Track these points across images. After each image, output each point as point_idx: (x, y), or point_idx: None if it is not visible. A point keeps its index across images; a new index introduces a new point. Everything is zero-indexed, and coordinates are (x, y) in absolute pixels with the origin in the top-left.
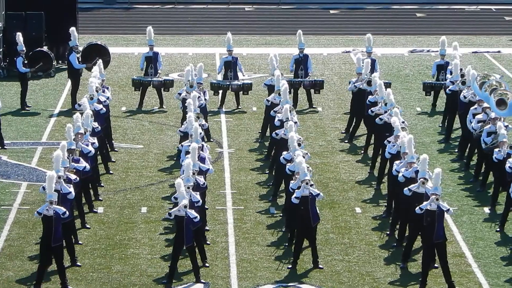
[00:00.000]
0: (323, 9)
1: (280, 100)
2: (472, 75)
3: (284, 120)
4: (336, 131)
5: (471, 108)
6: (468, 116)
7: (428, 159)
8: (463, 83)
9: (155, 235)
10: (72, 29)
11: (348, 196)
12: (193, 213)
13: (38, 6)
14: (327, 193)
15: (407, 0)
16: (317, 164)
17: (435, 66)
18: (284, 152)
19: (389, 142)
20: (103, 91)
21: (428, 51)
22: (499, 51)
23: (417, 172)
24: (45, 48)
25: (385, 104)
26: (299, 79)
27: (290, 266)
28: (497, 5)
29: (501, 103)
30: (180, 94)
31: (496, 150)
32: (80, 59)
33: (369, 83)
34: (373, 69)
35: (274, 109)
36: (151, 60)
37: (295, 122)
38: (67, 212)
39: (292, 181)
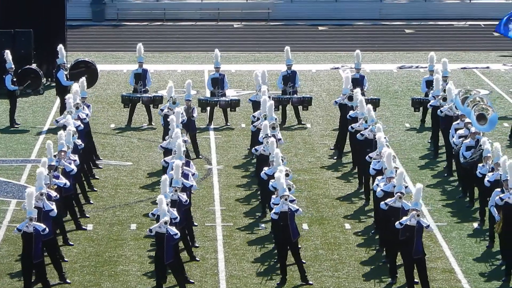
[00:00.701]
0: (312, 26)
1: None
2: (447, 89)
3: (263, 137)
4: (325, 148)
5: (454, 123)
6: (450, 131)
7: (405, 173)
8: (444, 99)
9: (145, 252)
10: (60, 46)
11: (337, 212)
12: (173, 230)
13: (27, 24)
14: (316, 209)
15: (395, 16)
16: (306, 180)
17: (424, 82)
18: (265, 168)
19: (370, 158)
20: (83, 108)
21: (417, 67)
22: (488, 67)
23: (395, 186)
24: (34, 66)
25: (366, 121)
26: (287, 96)
27: (278, 283)
28: (486, 21)
29: (481, 118)
30: (162, 110)
31: (480, 165)
32: (68, 76)
33: (350, 98)
34: (362, 85)
35: (253, 124)
36: (140, 77)
37: (279, 139)
38: (47, 229)
39: (273, 196)
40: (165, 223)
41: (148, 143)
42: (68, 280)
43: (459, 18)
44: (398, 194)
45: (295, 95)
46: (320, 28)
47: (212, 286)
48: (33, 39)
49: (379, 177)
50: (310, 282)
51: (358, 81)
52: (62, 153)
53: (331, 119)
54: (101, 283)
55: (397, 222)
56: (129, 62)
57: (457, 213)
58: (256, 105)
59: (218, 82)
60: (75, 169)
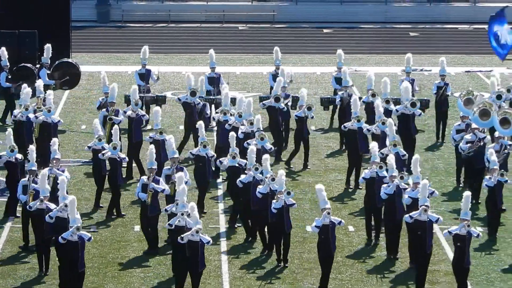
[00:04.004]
0: (317, 28)
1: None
2: (404, 88)
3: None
4: (329, 150)
5: (455, 124)
6: (451, 131)
7: (429, 184)
8: (373, 95)
9: (148, 253)
10: (47, 46)
11: (341, 215)
12: (206, 238)
13: (31, 25)
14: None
15: (401, 20)
16: (310, 183)
17: (435, 87)
18: (242, 176)
19: (382, 154)
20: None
21: (421, 70)
22: (491, 70)
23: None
24: (28, 64)
25: (358, 121)
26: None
27: None
28: None
29: (505, 122)
30: (125, 112)
31: (487, 177)
32: (49, 76)
33: (413, 104)
34: (340, 84)
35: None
36: (144, 77)
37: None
38: (92, 237)
39: (274, 201)
40: (197, 232)
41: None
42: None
43: (463, 22)
44: (423, 207)
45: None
46: (325, 30)
47: None
48: (37, 40)
49: (384, 186)
50: None
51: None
52: (54, 161)
53: (335, 121)
54: (105, 284)
55: (445, 231)
56: (134, 64)
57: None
58: (186, 106)
59: (214, 81)
60: (69, 175)
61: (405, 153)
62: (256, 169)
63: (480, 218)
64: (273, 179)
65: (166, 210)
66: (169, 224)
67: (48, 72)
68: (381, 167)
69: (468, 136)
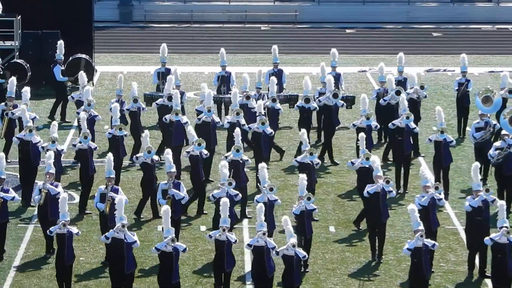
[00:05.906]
0: (339, 28)
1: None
2: (328, 80)
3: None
4: (352, 150)
5: (474, 122)
6: (470, 130)
7: (505, 205)
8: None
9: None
10: (60, 42)
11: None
12: (302, 252)
13: (54, 25)
14: (343, 211)
15: (423, 20)
16: (333, 183)
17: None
18: (215, 190)
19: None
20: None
21: (444, 70)
22: None
23: (483, 201)
24: (20, 60)
25: (367, 118)
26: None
27: None
28: None
29: (486, 100)
30: (78, 113)
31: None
32: (64, 72)
33: (335, 95)
34: (337, 83)
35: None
36: (163, 76)
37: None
38: (187, 248)
39: (295, 205)
40: (293, 246)
41: None
42: None
43: (487, 22)
44: (504, 229)
45: (280, 93)
46: (347, 31)
47: None
48: (60, 40)
49: (418, 196)
50: None
51: (401, 83)
52: (48, 176)
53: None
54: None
55: (486, 238)
56: (156, 64)
57: None
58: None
59: (224, 80)
60: (62, 192)
61: (452, 139)
62: (230, 184)
63: None
64: (271, 189)
65: (210, 236)
66: (248, 245)
67: (62, 68)
68: (388, 182)
69: (497, 143)
